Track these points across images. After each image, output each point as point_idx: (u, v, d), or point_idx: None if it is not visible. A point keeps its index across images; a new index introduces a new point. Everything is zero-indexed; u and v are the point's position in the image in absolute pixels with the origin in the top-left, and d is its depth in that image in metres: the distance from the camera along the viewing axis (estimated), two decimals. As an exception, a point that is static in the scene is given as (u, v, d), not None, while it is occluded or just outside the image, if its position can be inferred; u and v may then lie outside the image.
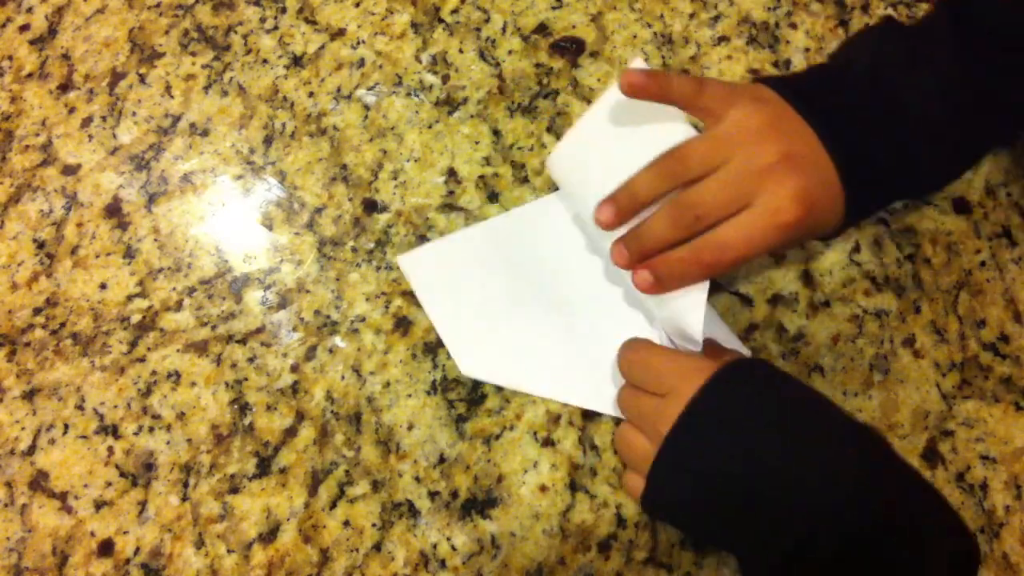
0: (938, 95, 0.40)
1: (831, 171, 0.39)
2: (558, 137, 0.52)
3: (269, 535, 0.44)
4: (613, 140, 0.43)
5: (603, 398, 0.45)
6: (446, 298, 0.48)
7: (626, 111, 0.43)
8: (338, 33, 0.57)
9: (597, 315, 0.47)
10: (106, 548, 0.45)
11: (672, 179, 0.40)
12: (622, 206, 0.40)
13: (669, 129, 0.42)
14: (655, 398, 0.39)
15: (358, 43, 0.56)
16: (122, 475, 0.46)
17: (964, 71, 0.40)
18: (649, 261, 0.40)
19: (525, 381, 0.46)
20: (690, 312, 0.40)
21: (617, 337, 0.44)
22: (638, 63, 0.43)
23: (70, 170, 0.54)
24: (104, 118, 0.56)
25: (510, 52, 0.55)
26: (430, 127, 0.54)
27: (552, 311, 0.47)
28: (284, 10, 0.58)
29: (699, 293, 0.40)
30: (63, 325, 0.50)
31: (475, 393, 0.46)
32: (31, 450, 0.47)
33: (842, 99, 0.41)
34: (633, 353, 0.42)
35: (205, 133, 0.55)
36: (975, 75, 0.40)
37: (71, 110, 0.56)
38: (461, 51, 0.56)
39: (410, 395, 0.47)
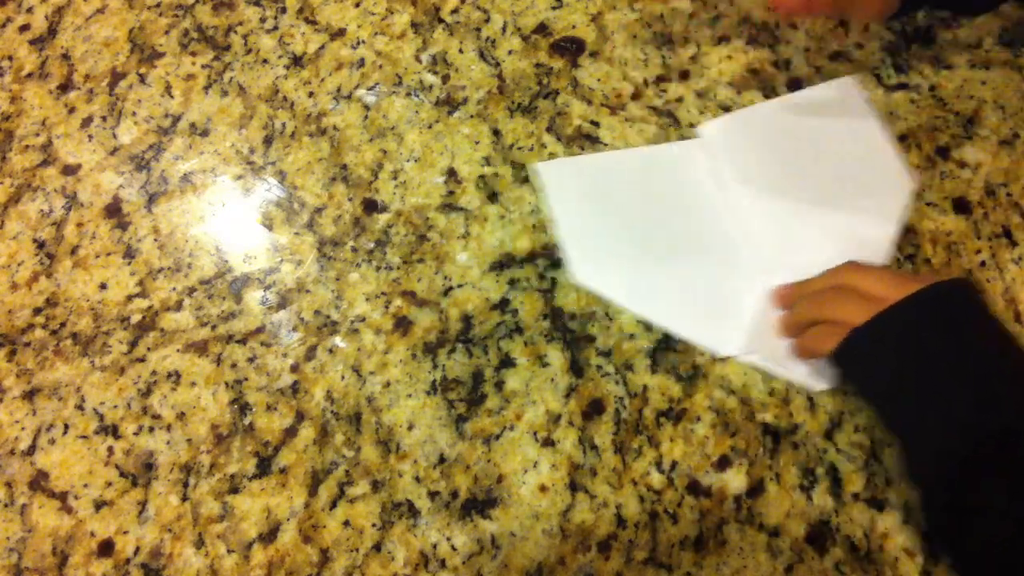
0: None
1: None
2: (558, 137, 0.52)
3: (269, 535, 0.44)
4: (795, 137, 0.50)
5: (711, 337, 0.46)
6: (575, 209, 0.50)
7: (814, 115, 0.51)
8: (338, 33, 0.57)
9: (721, 261, 0.48)
10: (106, 548, 0.45)
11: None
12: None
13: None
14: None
15: (358, 43, 0.56)
16: (122, 475, 0.46)
17: None
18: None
19: (636, 301, 0.47)
20: (883, 224, 0.47)
21: (739, 287, 0.47)
22: (852, 87, 0.52)
23: (70, 170, 0.54)
24: (104, 118, 0.56)
25: (510, 52, 0.55)
26: (430, 127, 0.54)
27: (677, 246, 0.49)
28: (284, 10, 0.58)
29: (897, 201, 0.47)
30: (63, 325, 0.50)
31: (475, 393, 0.46)
32: (31, 450, 0.47)
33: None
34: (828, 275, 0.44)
35: (205, 133, 0.55)
36: None
37: (71, 110, 0.56)
38: (461, 51, 0.56)
39: (410, 395, 0.47)
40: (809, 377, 0.45)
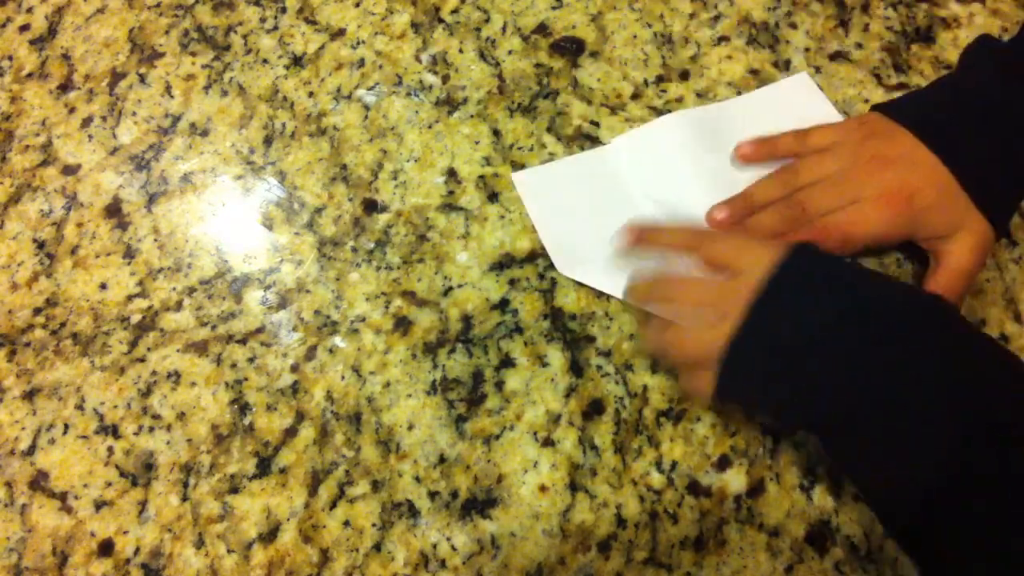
0: None
1: (935, 166, 0.42)
2: (558, 137, 0.52)
3: (269, 535, 0.44)
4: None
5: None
6: (550, 208, 0.51)
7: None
8: (338, 33, 0.57)
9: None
10: (106, 548, 0.45)
11: (785, 187, 0.46)
12: (736, 210, 0.47)
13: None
14: (720, 281, 0.39)
15: (358, 43, 0.56)
16: (122, 475, 0.46)
17: None
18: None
19: (616, 287, 0.47)
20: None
21: None
22: (804, 77, 0.53)
23: (70, 170, 0.54)
24: (104, 118, 0.56)
25: (510, 52, 0.55)
26: (430, 127, 0.54)
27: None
28: (284, 10, 0.58)
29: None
30: (63, 325, 0.50)
31: (475, 393, 0.46)
32: (31, 450, 0.47)
33: (941, 103, 0.45)
34: (685, 234, 0.43)
35: (205, 133, 0.55)
36: None
37: (71, 110, 0.56)
38: (461, 51, 0.56)
39: (410, 395, 0.47)
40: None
